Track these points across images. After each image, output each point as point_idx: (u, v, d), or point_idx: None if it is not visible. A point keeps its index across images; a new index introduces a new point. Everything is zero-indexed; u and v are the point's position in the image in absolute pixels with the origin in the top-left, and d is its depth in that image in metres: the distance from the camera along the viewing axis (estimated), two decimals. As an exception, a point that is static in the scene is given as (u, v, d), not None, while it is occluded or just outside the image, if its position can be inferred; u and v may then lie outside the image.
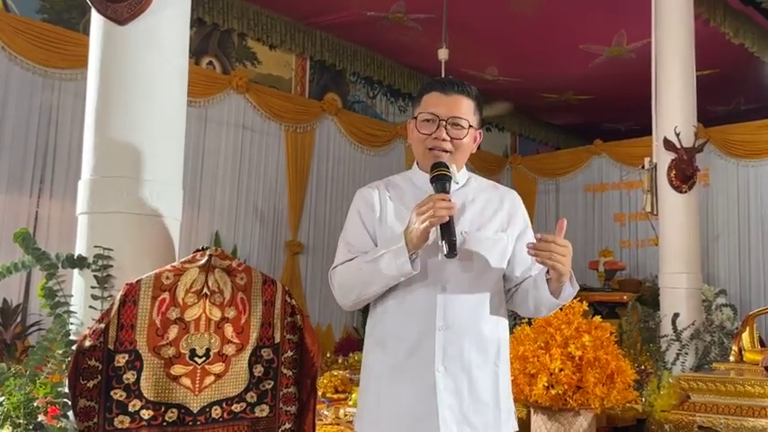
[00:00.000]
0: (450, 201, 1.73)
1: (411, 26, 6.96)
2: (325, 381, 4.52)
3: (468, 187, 1.97)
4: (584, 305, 3.74)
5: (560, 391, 3.46)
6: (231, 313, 2.03)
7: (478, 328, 1.84)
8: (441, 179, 1.79)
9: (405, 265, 1.76)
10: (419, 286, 1.84)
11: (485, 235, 1.89)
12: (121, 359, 1.88)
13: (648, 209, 5.78)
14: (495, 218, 1.93)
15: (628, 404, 3.87)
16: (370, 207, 1.95)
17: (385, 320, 1.90)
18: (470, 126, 1.90)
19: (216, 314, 2.00)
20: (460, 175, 1.96)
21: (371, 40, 7.44)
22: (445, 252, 1.72)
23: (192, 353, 1.96)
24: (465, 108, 1.90)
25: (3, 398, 2.08)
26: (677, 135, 5.50)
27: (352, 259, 1.89)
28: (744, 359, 4.68)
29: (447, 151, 1.88)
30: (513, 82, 8.40)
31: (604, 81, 8.13)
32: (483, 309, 1.86)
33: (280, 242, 7.01)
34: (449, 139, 1.87)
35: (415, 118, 1.93)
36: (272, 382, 2.08)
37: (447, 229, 1.72)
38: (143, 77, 2.35)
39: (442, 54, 6.15)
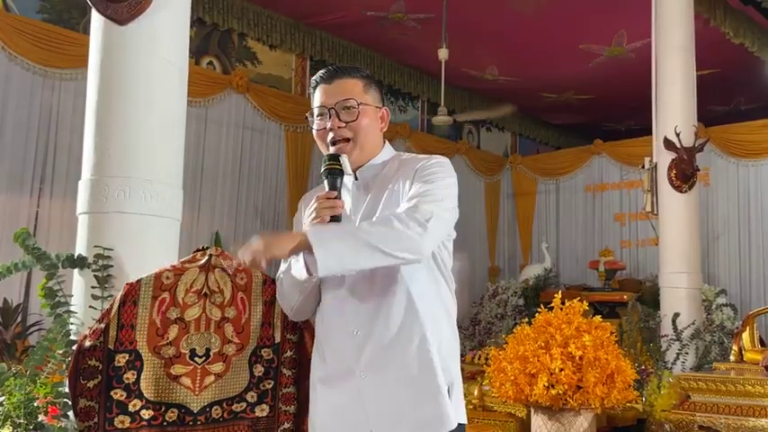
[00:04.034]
0: (335, 198, 1.68)
1: (411, 26, 6.96)
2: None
3: (381, 171, 1.85)
4: (585, 305, 3.74)
5: (560, 391, 3.46)
6: (231, 313, 2.03)
7: (393, 325, 1.71)
8: (330, 174, 1.71)
9: (302, 270, 1.73)
10: (333, 291, 1.79)
11: (377, 217, 1.74)
12: (122, 359, 1.88)
13: (648, 209, 5.78)
14: (393, 192, 1.77)
15: (628, 404, 3.86)
16: (300, 216, 1.91)
17: (317, 328, 1.88)
18: (360, 104, 1.79)
19: (216, 314, 2.00)
20: (379, 158, 1.86)
21: (371, 40, 7.44)
22: None
23: (193, 353, 1.96)
24: (350, 89, 1.81)
25: (3, 398, 2.08)
26: (677, 135, 5.50)
27: None
28: (744, 359, 4.68)
29: (347, 138, 1.79)
30: (513, 82, 8.39)
31: (604, 81, 8.13)
32: (396, 305, 1.72)
33: (280, 242, 7.00)
34: (344, 125, 1.79)
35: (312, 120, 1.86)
36: (273, 382, 2.07)
37: None
38: (143, 77, 2.36)
39: (442, 54, 6.16)
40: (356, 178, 1.84)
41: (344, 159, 1.75)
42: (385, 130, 1.90)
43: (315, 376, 1.87)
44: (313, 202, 1.72)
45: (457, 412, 1.75)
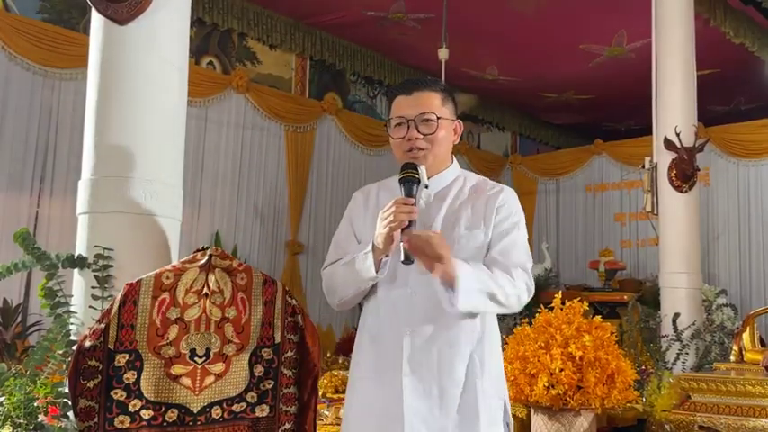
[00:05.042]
0: (412, 205, 1.75)
1: (411, 26, 6.96)
2: (325, 381, 4.52)
3: (452, 186, 1.96)
4: (585, 305, 3.74)
5: (561, 391, 3.46)
6: (231, 313, 2.02)
7: (449, 333, 1.82)
8: (407, 181, 1.79)
9: (370, 268, 1.81)
10: (392, 289, 1.87)
11: (457, 233, 1.86)
12: (122, 359, 1.88)
13: (649, 209, 5.78)
14: (472, 214, 1.90)
15: (628, 404, 3.86)
16: (358, 210, 2.00)
17: (365, 321, 1.95)
18: (439, 118, 1.89)
19: (216, 314, 2.00)
20: (449, 171, 1.97)
21: (371, 40, 7.44)
22: (402, 258, 1.72)
23: (193, 353, 1.96)
24: (430, 103, 1.91)
25: (3, 398, 2.08)
26: (677, 135, 5.49)
27: (337, 261, 1.96)
28: (744, 359, 4.68)
29: (423, 149, 1.88)
30: (512, 82, 8.39)
31: (604, 81, 8.13)
32: (455, 315, 1.82)
33: (280, 242, 7.01)
34: (422, 136, 1.88)
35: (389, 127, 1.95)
36: (273, 382, 2.07)
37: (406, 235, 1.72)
38: (143, 77, 2.35)
39: (442, 54, 6.15)
40: (426, 187, 1.91)
41: (423, 170, 1.84)
42: (457, 142, 2.00)
43: (357, 370, 1.93)
44: (390, 206, 1.76)
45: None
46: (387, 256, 1.82)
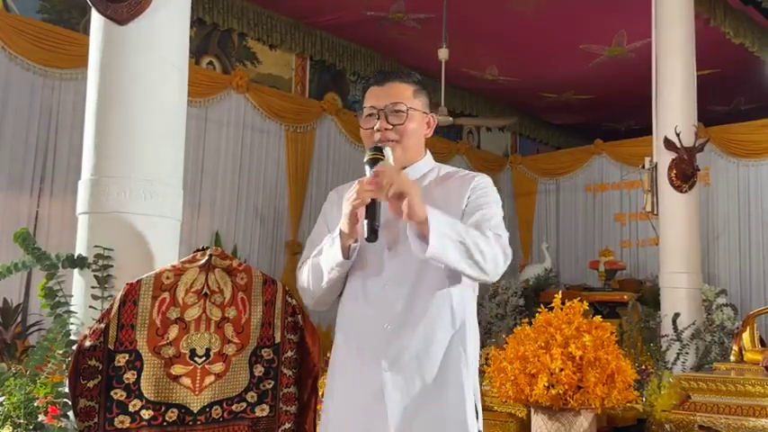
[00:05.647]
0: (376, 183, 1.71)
1: (411, 26, 6.96)
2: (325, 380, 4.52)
3: (426, 177, 1.93)
4: (585, 305, 3.74)
5: (561, 391, 3.46)
6: (231, 313, 2.02)
7: (427, 323, 1.78)
8: (373, 162, 1.77)
9: (337, 253, 1.77)
10: (366, 281, 1.84)
11: None
12: (122, 359, 1.88)
13: (649, 208, 5.78)
14: (445, 198, 1.85)
15: (628, 404, 3.86)
16: (332, 208, 1.97)
17: (342, 316, 1.92)
18: (410, 109, 1.86)
19: (216, 314, 2.00)
20: (423, 163, 1.94)
21: (371, 40, 7.44)
22: (365, 236, 1.69)
23: (193, 353, 1.96)
24: (401, 93, 1.88)
25: (3, 398, 2.08)
26: (677, 135, 5.49)
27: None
28: (744, 359, 4.68)
29: (392, 140, 1.85)
30: (513, 82, 8.40)
31: (604, 81, 8.13)
32: (432, 303, 1.79)
33: (280, 242, 7.01)
34: (391, 127, 1.85)
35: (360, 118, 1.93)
36: (273, 382, 2.07)
37: (370, 213, 1.70)
38: (143, 77, 2.36)
39: (442, 54, 6.15)
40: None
41: (388, 152, 1.81)
42: (429, 136, 1.97)
43: (335, 366, 1.90)
44: (355, 185, 1.73)
45: (477, 424, 1.81)
46: (356, 242, 1.78)
